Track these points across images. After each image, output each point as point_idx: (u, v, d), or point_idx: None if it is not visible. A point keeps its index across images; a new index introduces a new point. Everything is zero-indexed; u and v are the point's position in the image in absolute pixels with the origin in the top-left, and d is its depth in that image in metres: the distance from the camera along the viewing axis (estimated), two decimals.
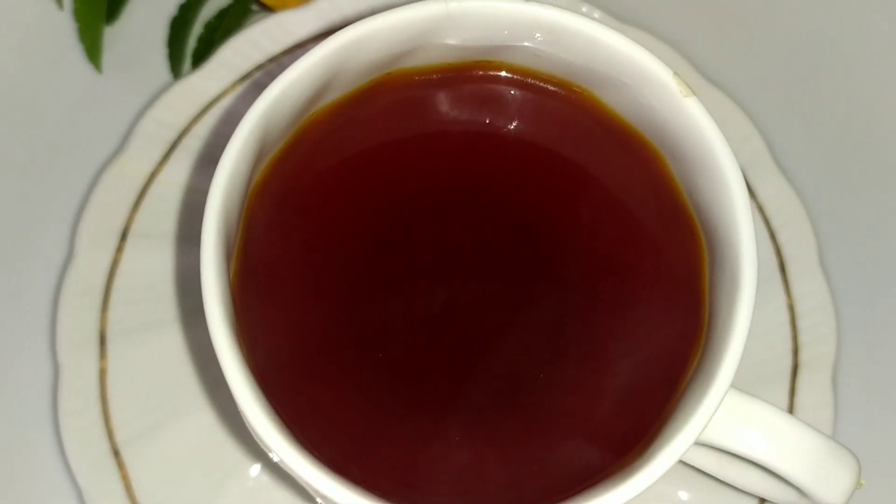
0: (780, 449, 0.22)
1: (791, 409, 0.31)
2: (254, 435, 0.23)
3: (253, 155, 0.24)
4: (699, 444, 0.23)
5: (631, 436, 0.24)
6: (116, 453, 0.30)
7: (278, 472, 0.30)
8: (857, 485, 0.23)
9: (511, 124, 0.27)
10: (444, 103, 0.27)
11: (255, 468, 0.30)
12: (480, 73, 0.27)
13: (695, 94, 0.23)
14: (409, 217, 0.27)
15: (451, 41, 0.25)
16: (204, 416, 0.31)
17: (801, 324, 0.32)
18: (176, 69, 0.37)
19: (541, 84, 0.26)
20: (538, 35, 0.25)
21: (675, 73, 0.24)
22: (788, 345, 0.32)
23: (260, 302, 0.25)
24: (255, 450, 0.30)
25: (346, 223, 0.26)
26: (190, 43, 0.37)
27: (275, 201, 0.26)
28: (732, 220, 0.23)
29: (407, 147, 0.27)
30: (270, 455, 0.25)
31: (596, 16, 0.35)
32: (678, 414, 0.22)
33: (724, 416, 0.23)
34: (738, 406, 0.23)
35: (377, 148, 0.27)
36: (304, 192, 0.26)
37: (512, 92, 0.27)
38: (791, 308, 0.32)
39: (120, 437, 0.30)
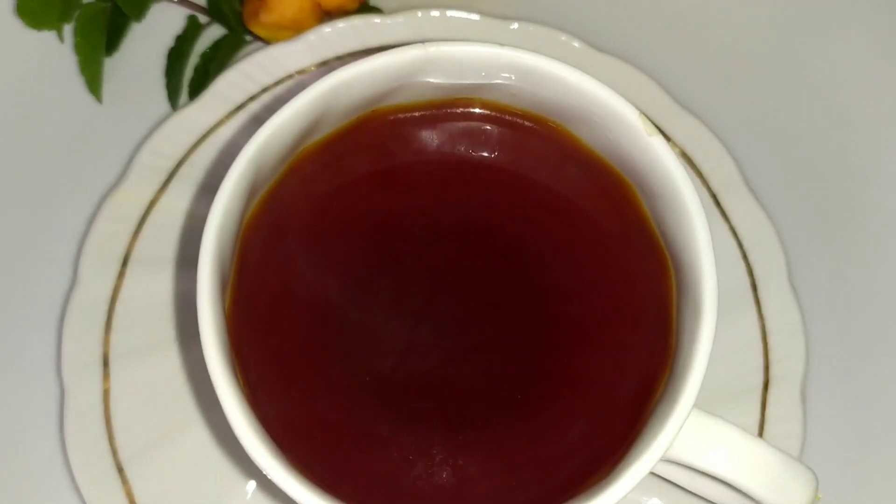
0: (741, 467, 0.24)
1: (762, 423, 0.33)
2: (248, 458, 0.24)
3: (246, 191, 0.26)
4: (667, 461, 0.25)
5: (603, 453, 0.26)
6: (120, 470, 0.32)
7: (273, 488, 0.31)
8: (815, 499, 0.25)
9: (489, 157, 0.29)
10: (425, 138, 0.29)
11: (252, 484, 0.31)
12: (459, 109, 0.28)
13: (659, 133, 0.25)
14: (394, 245, 0.28)
15: (432, 80, 0.27)
16: (203, 434, 0.32)
17: (772, 341, 0.34)
18: (173, 99, 0.38)
19: (517, 120, 0.28)
20: (512, 76, 0.26)
21: (641, 113, 0.25)
22: (760, 361, 0.33)
23: (253, 328, 0.26)
24: (252, 466, 0.32)
25: (335, 252, 0.28)
26: (186, 73, 0.38)
27: (267, 234, 0.27)
28: (696, 252, 0.25)
29: (391, 180, 0.29)
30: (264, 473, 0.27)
31: (576, 44, 0.37)
32: (646, 433, 0.24)
33: (688, 435, 0.24)
34: (702, 426, 0.24)
35: (363, 181, 0.28)
36: (295, 224, 0.28)
37: (489, 127, 0.28)
38: (762, 326, 0.34)
39: (123, 455, 0.32)
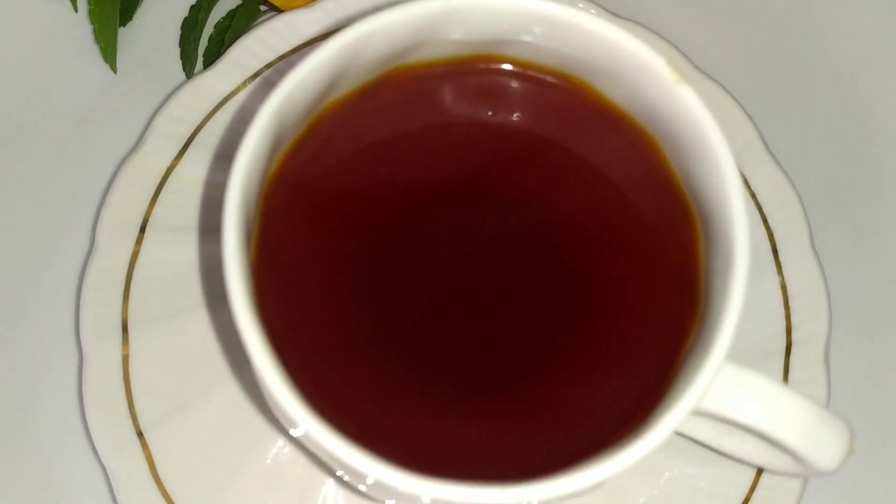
0: (775, 417, 0.24)
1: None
2: (276, 410, 0.24)
3: (269, 146, 0.25)
4: (699, 413, 0.25)
5: (634, 406, 0.25)
6: (140, 435, 0.31)
7: (298, 448, 0.31)
8: (851, 452, 0.25)
9: (513, 115, 0.28)
10: (448, 95, 0.28)
11: (274, 448, 0.31)
12: (482, 66, 0.28)
13: (687, 82, 0.25)
14: (417, 203, 0.28)
15: (454, 36, 0.27)
16: (224, 400, 0.32)
17: (794, 304, 0.33)
18: (188, 69, 0.38)
19: (540, 76, 0.28)
20: (537, 29, 0.26)
21: (668, 62, 0.25)
22: (782, 324, 0.33)
23: (278, 286, 0.26)
24: (273, 430, 0.31)
25: (358, 210, 0.28)
26: (201, 43, 0.38)
27: (290, 190, 0.27)
28: (726, 200, 0.24)
29: (414, 137, 0.28)
30: (291, 431, 0.26)
31: (593, 11, 0.36)
32: (678, 382, 0.24)
33: (721, 386, 0.24)
34: (734, 377, 0.24)
35: (386, 139, 0.28)
36: (318, 181, 0.27)
37: (513, 84, 0.28)
38: (784, 289, 0.34)
39: (143, 421, 0.32)
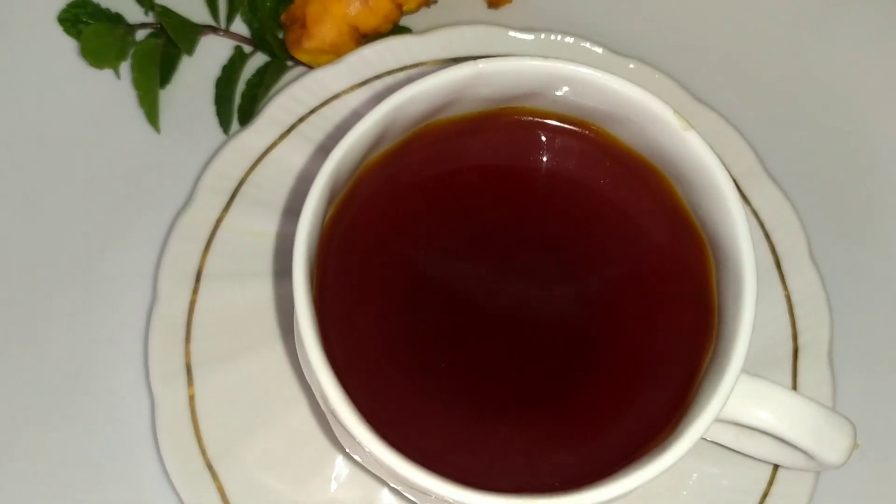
0: (787, 420, 0.27)
1: (795, 388, 0.36)
2: (341, 434, 0.27)
3: (325, 203, 0.28)
4: (720, 420, 0.28)
5: (661, 419, 0.28)
6: (210, 467, 0.34)
7: (358, 472, 0.34)
8: (855, 446, 0.28)
9: (538, 159, 0.32)
10: (478, 145, 0.32)
11: (336, 474, 0.34)
12: (507, 118, 0.31)
13: (693, 128, 0.28)
14: (454, 241, 0.31)
15: (483, 94, 0.30)
16: (283, 430, 0.35)
17: (798, 311, 0.37)
18: (225, 124, 0.41)
19: (561, 124, 0.31)
20: (558, 87, 0.29)
21: (675, 111, 0.28)
22: (788, 331, 0.36)
23: (335, 320, 0.29)
24: (333, 457, 0.34)
25: (405, 249, 0.31)
26: (235, 100, 0.41)
27: (342, 237, 0.30)
28: (733, 231, 0.27)
29: (449, 184, 0.32)
30: (354, 455, 0.29)
31: (599, 51, 0.39)
32: (700, 397, 0.27)
33: (738, 396, 0.27)
34: (749, 387, 0.27)
35: (423, 187, 0.31)
36: (365, 227, 0.30)
37: (537, 132, 0.31)
38: (788, 299, 0.37)
39: (211, 453, 0.34)
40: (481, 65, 0.29)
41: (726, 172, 0.28)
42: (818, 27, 0.43)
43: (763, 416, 0.27)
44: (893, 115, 0.42)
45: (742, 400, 0.27)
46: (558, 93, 0.29)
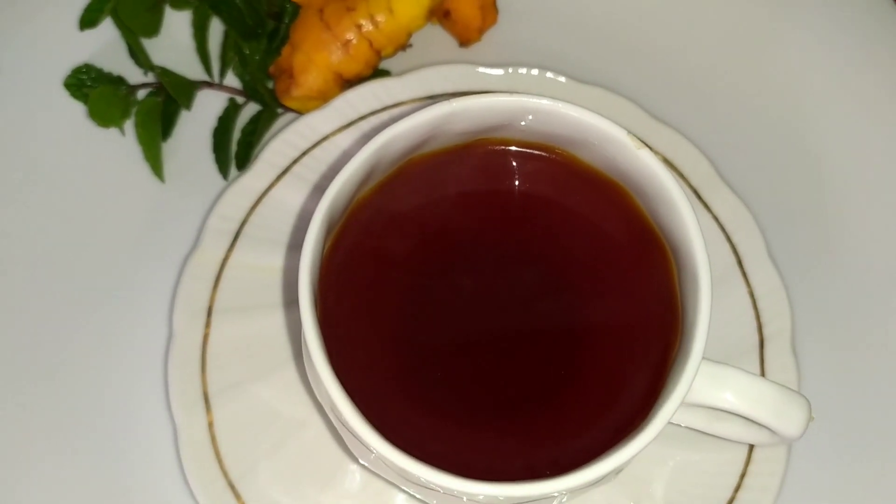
0: (748, 400, 0.30)
1: (763, 374, 0.39)
2: (352, 442, 0.30)
3: (323, 236, 0.32)
4: (690, 405, 0.31)
5: (638, 408, 0.32)
6: (232, 487, 0.37)
7: (370, 481, 0.37)
8: (810, 419, 0.31)
9: (512, 183, 0.35)
10: (458, 174, 0.35)
11: (351, 483, 0.37)
12: (481, 148, 0.35)
13: (645, 146, 0.31)
14: (442, 259, 0.34)
15: (458, 129, 0.33)
16: (295, 448, 0.38)
17: (761, 305, 0.40)
18: (224, 171, 0.44)
19: (529, 150, 0.34)
20: (525, 117, 0.33)
21: (629, 132, 0.32)
22: (754, 324, 0.40)
23: (340, 339, 0.32)
24: (347, 467, 0.38)
25: (398, 271, 0.34)
26: (232, 147, 0.45)
27: (339, 264, 0.33)
28: (688, 237, 0.31)
29: (435, 210, 0.35)
30: (365, 462, 0.33)
31: (562, 80, 0.43)
32: (669, 385, 0.30)
33: (703, 381, 0.30)
34: (712, 371, 0.31)
35: (412, 214, 0.35)
36: (363, 253, 0.34)
37: (508, 159, 0.35)
38: (751, 294, 0.40)
39: (233, 474, 0.37)
40: (454, 103, 0.32)
41: (678, 184, 0.31)
42: (765, 43, 0.47)
43: (727, 397, 0.30)
44: (836, 119, 0.45)
45: (707, 385, 0.30)
46: (523, 123, 0.33)
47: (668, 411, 0.29)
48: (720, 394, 0.30)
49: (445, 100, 0.41)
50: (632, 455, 0.29)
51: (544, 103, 0.32)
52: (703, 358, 0.30)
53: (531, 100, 0.32)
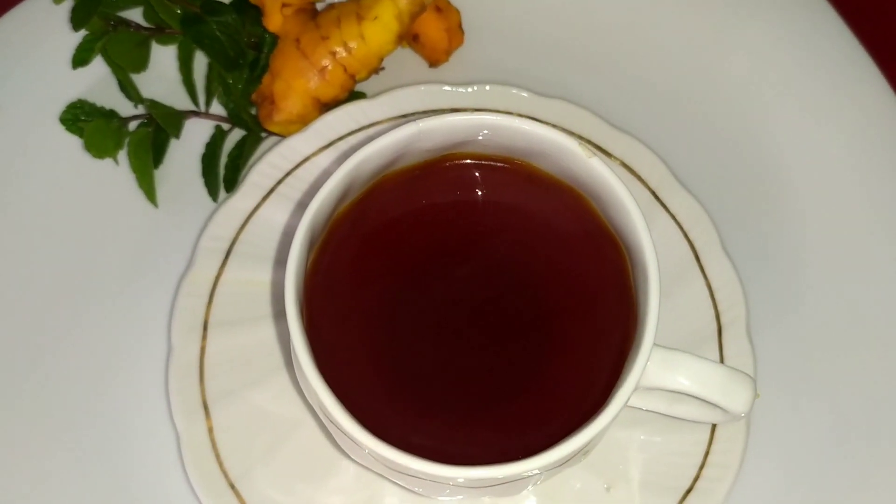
0: (697, 381, 0.33)
1: (722, 360, 0.42)
2: (342, 439, 0.33)
3: (306, 250, 0.35)
4: (647, 388, 0.34)
5: (602, 395, 0.35)
6: (233, 486, 0.40)
7: (362, 475, 0.40)
8: (756, 396, 0.34)
9: (477, 193, 0.38)
10: (428, 187, 0.38)
11: (344, 478, 0.40)
12: (448, 163, 0.38)
13: (596, 155, 0.34)
14: (418, 267, 0.37)
15: (425, 147, 0.36)
16: (290, 449, 0.41)
17: (718, 296, 0.43)
18: (213, 193, 0.47)
19: (492, 163, 0.38)
20: (483, 133, 0.36)
21: (580, 143, 0.35)
22: (712, 313, 0.43)
23: (326, 345, 0.35)
24: (340, 464, 0.40)
25: (377, 280, 0.37)
26: (220, 171, 0.48)
27: (323, 276, 0.36)
28: (638, 237, 0.34)
29: (408, 222, 0.38)
30: (355, 457, 0.35)
31: (525, 94, 0.46)
32: (625, 372, 0.33)
33: (657, 367, 0.33)
34: (664, 357, 0.34)
35: (387, 226, 0.38)
36: (343, 265, 0.37)
37: (473, 171, 0.38)
38: (709, 286, 0.43)
39: (233, 475, 0.40)
40: (420, 124, 0.35)
41: (627, 189, 0.34)
42: (714, 51, 0.50)
43: (679, 379, 0.33)
44: (783, 120, 0.49)
45: (661, 370, 0.33)
46: (482, 138, 0.36)
47: (623, 395, 0.32)
48: (673, 377, 0.33)
49: (417, 118, 0.44)
50: (590, 437, 0.32)
51: (501, 119, 0.35)
52: (656, 345, 0.33)
53: (489, 117, 0.35)
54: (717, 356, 0.42)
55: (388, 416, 0.35)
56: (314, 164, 0.45)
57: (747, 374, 0.34)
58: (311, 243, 0.35)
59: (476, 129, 0.36)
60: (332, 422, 0.32)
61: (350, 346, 0.36)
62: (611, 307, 0.36)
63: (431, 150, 0.37)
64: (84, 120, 0.47)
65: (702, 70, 0.49)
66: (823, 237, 0.46)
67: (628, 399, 0.32)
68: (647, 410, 0.38)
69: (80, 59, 0.46)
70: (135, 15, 0.48)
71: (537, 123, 0.35)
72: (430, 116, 0.36)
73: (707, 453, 0.41)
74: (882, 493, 0.42)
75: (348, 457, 0.39)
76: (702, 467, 0.40)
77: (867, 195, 0.47)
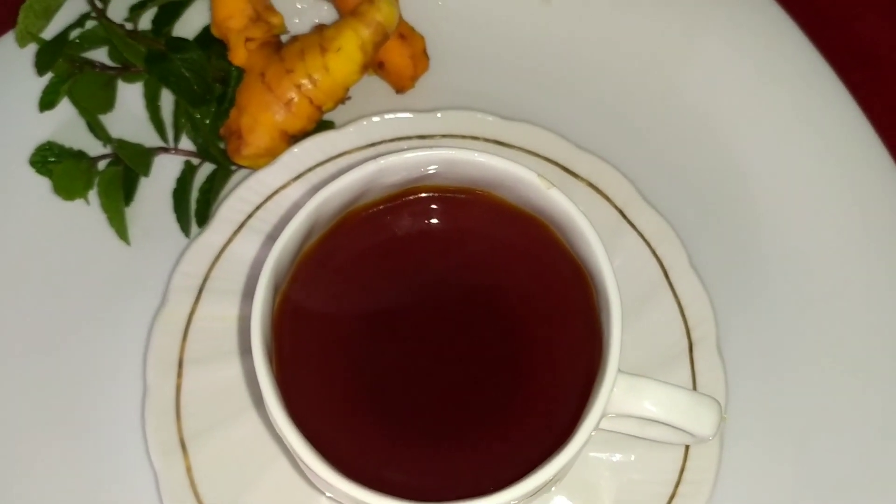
0: (663, 407, 0.34)
1: (693, 376, 0.42)
2: (314, 477, 0.33)
3: (273, 288, 0.35)
4: (613, 415, 0.34)
5: (572, 421, 0.35)
6: None
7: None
8: (722, 419, 0.34)
9: (441, 223, 0.38)
10: (392, 221, 0.38)
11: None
12: (411, 196, 0.38)
13: (555, 186, 0.35)
14: (386, 301, 0.38)
15: (387, 182, 0.37)
16: (266, 484, 0.41)
17: (688, 312, 0.43)
18: (185, 228, 0.47)
19: (453, 195, 0.38)
20: (442, 167, 0.36)
21: (539, 175, 0.35)
22: (682, 329, 0.43)
23: (296, 383, 0.36)
24: (316, 499, 0.41)
25: (345, 316, 0.37)
26: (191, 206, 0.48)
27: (291, 313, 0.37)
28: (598, 264, 0.34)
29: (374, 256, 0.38)
30: (329, 493, 0.36)
31: (489, 118, 0.46)
32: (591, 400, 0.33)
33: (622, 393, 0.34)
34: (631, 384, 0.34)
35: (354, 261, 0.38)
36: (312, 300, 0.37)
37: (436, 204, 0.38)
38: (678, 303, 0.43)
39: None
40: (381, 161, 0.36)
41: (585, 217, 0.35)
42: (674, 69, 0.51)
43: (646, 405, 0.34)
44: (746, 134, 0.49)
45: (627, 396, 0.34)
46: (446, 172, 0.36)
47: (589, 424, 0.32)
48: (639, 403, 0.34)
49: (385, 146, 0.45)
50: (558, 468, 0.32)
51: (459, 154, 0.36)
52: (621, 372, 0.33)
53: (447, 151, 0.35)
54: (689, 372, 0.42)
55: (360, 451, 0.35)
56: (284, 196, 0.46)
57: (712, 398, 0.34)
58: (276, 283, 0.36)
59: (435, 163, 0.36)
60: (302, 462, 0.33)
61: (320, 381, 0.37)
62: (578, 334, 0.36)
63: (394, 185, 0.37)
64: (53, 162, 0.47)
65: (663, 89, 0.50)
66: (790, 249, 0.47)
67: (595, 427, 0.32)
68: (621, 433, 0.38)
69: (47, 101, 0.47)
70: (100, 55, 0.49)
71: (496, 156, 0.35)
72: (392, 152, 0.36)
73: (682, 470, 0.41)
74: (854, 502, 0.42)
75: (323, 493, 0.39)
76: (677, 485, 0.41)
77: (833, 207, 0.47)
